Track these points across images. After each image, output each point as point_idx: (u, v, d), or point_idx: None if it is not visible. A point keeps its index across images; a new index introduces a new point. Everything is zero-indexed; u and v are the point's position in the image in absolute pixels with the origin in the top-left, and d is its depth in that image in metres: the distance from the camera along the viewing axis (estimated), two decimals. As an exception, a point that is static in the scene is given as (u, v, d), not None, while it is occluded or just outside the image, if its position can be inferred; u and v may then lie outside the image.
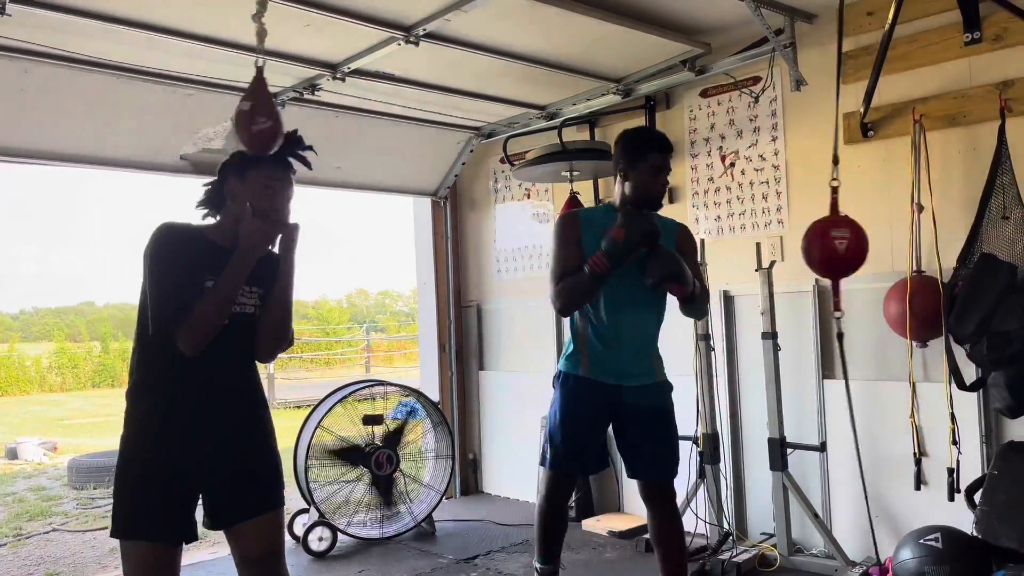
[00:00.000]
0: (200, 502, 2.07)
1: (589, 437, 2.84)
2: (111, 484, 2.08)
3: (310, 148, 2.18)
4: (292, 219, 2.13)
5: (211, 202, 2.14)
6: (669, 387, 2.87)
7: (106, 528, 5.12)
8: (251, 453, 2.12)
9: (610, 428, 2.88)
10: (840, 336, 3.45)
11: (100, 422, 11.84)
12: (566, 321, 4.72)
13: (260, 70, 2.17)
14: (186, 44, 3.25)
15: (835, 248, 3.19)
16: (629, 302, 2.73)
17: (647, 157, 2.71)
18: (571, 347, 2.84)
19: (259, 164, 2.09)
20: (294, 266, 2.12)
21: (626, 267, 2.62)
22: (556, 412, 2.84)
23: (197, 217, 2.15)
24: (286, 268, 2.11)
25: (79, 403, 15.64)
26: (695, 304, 2.80)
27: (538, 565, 2.93)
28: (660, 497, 2.83)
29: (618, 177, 2.79)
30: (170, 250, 2.01)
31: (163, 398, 2.02)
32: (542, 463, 2.87)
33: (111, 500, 2.04)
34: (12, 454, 8.64)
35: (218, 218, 2.13)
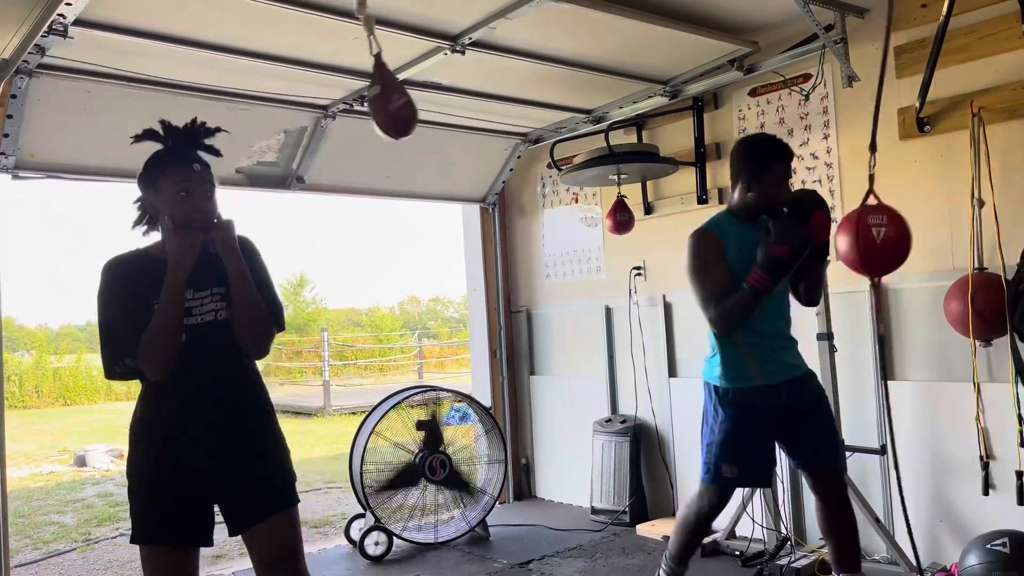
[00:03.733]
0: (218, 509, 2.09)
1: (764, 447, 2.86)
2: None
3: (218, 130, 2.08)
4: (223, 215, 2.05)
5: (145, 219, 2.10)
6: (815, 374, 2.93)
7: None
8: (252, 457, 2.09)
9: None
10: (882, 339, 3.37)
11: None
12: (618, 324, 4.76)
13: (378, 56, 2.15)
14: (241, 61, 3.34)
15: (872, 237, 2.96)
16: (774, 301, 2.78)
17: (772, 168, 2.72)
18: (727, 357, 2.79)
19: (165, 170, 2.01)
20: (240, 261, 2.04)
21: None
22: (724, 428, 2.79)
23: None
24: (233, 268, 2.03)
25: (143, 411, 16.06)
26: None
27: (673, 565, 2.98)
28: (836, 485, 2.84)
29: (740, 184, 2.78)
30: (113, 286, 2.01)
31: (152, 417, 2.05)
32: (708, 480, 2.83)
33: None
34: (81, 461, 8.90)
35: (159, 231, 2.08)
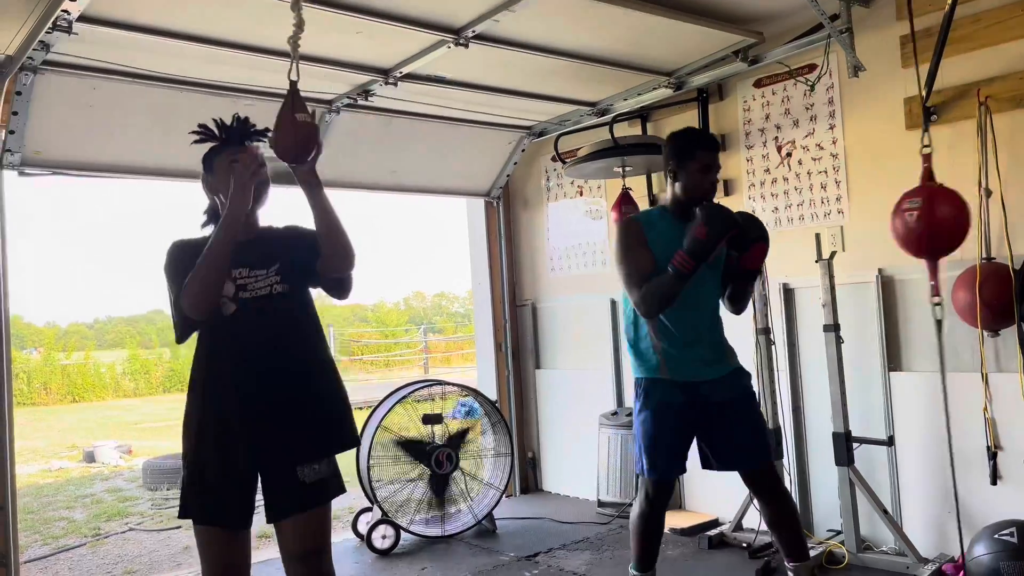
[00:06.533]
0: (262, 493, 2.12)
1: (684, 439, 2.84)
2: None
3: (267, 130, 2.21)
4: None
5: (213, 216, 2.22)
6: (746, 373, 2.88)
7: (179, 527, 5.32)
8: (305, 435, 2.10)
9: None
10: (939, 323, 3.20)
11: (172, 425, 12.22)
12: (621, 319, 4.74)
13: (293, 84, 2.28)
14: (245, 56, 3.34)
15: (904, 222, 3.00)
16: (693, 298, 2.73)
17: (695, 155, 2.73)
18: (644, 351, 2.82)
19: (218, 152, 2.19)
20: (321, 188, 2.11)
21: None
22: (648, 420, 2.81)
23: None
24: (314, 198, 2.10)
25: (151, 407, 16.16)
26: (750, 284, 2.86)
27: (636, 572, 2.92)
28: (769, 481, 2.82)
29: (668, 178, 2.80)
30: (182, 262, 2.08)
31: (203, 394, 2.11)
32: (641, 472, 2.83)
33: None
34: (90, 457, 8.96)
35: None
